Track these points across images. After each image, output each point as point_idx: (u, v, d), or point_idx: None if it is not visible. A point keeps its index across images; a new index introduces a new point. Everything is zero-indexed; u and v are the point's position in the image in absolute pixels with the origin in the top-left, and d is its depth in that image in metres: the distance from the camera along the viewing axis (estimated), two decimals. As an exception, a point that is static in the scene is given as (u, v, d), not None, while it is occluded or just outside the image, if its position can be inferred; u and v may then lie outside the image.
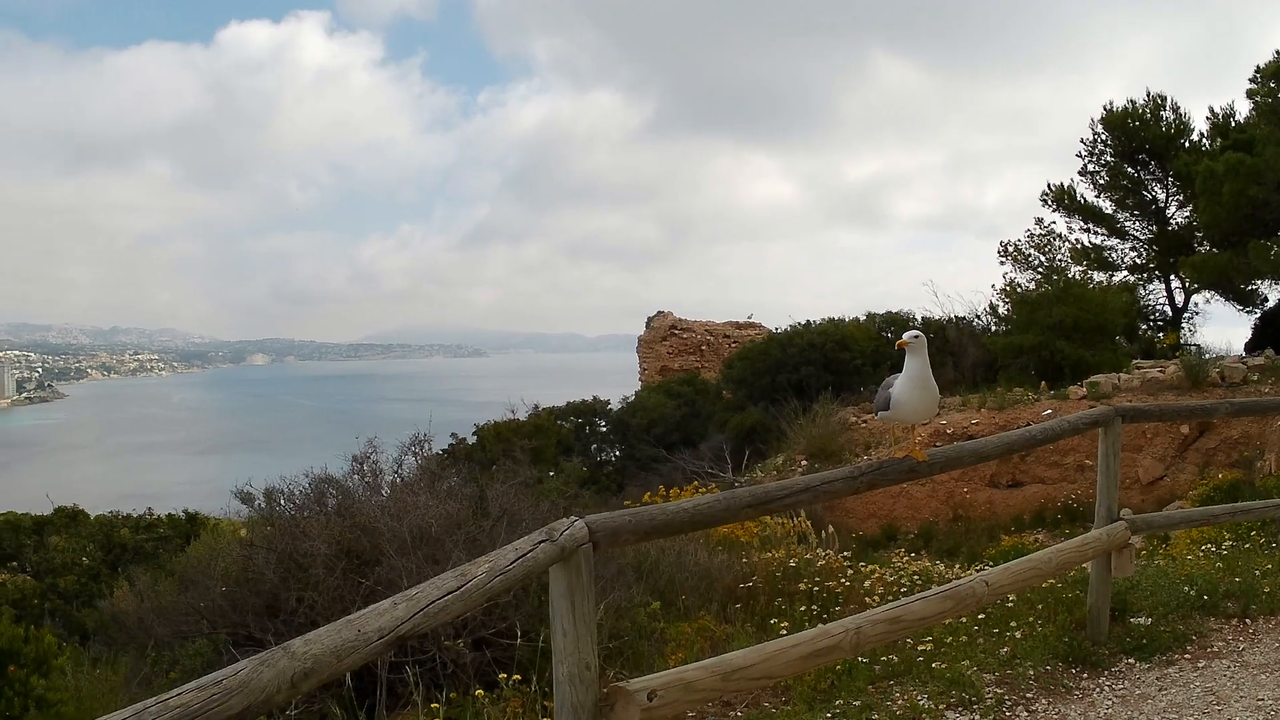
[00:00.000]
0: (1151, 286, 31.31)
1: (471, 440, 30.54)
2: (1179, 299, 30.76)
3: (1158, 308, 31.31)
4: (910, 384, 4.79)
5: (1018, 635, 6.61)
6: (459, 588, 3.13)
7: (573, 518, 3.72)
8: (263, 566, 6.82)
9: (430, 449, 8.08)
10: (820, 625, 4.70)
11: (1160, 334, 29.71)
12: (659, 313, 44.61)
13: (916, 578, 8.30)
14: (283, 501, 7.53)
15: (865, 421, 23.65)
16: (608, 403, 35.19)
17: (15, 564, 14.81)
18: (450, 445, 31.35)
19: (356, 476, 7.71)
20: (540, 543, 3.50)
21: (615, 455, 33.15)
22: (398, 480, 7.72)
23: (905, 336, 4.82)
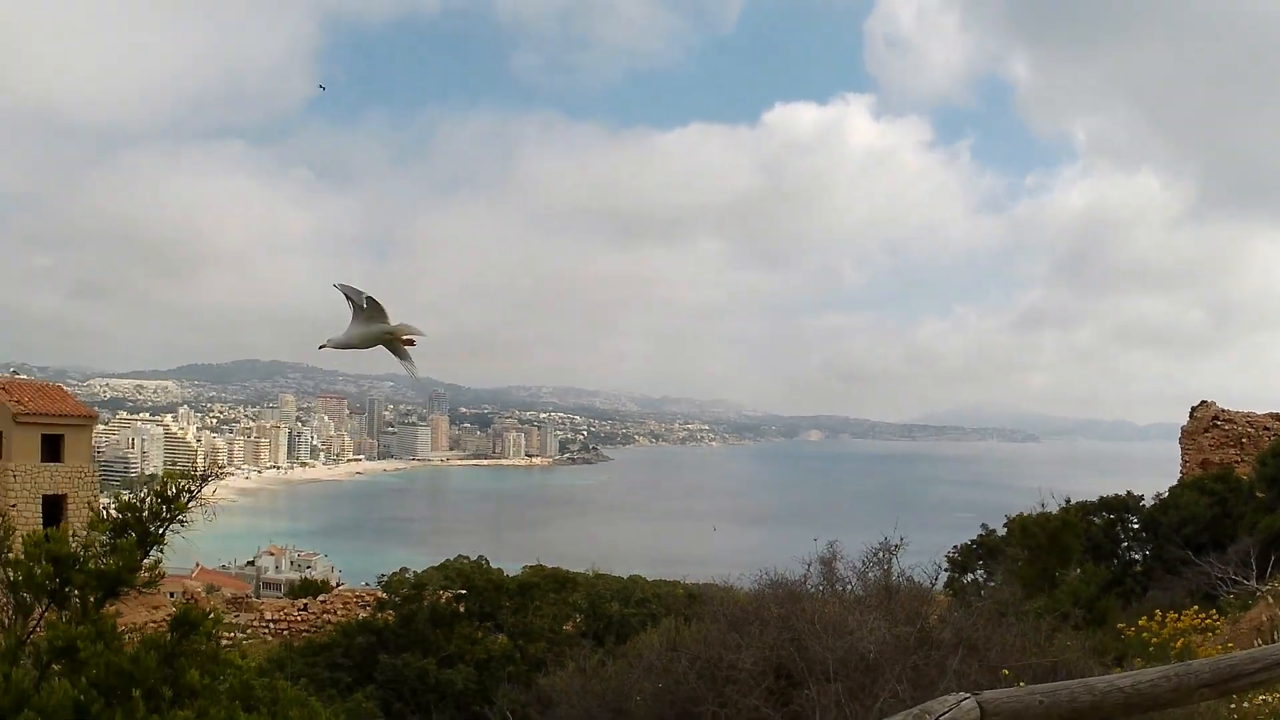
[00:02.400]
0: None
1: (1001, 532, 30.89)
2: None
3: None
4: None
5: None
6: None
7: (961, 695, 2.47)
8: (685, 672, 6.01)
9: (895, 558, 6.84)
10: None
11: None
12: (1202, 402, 43.30)
13: None
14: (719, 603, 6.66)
15: None
16: (1140, 498, 33.42)
17: (491, 623, 15.04)
18: (980, 535, 31.52)
19: (813, 582, 6.70)
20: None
21: (1145, 554, 31.44)
22: (850, 589, 6.60)
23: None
